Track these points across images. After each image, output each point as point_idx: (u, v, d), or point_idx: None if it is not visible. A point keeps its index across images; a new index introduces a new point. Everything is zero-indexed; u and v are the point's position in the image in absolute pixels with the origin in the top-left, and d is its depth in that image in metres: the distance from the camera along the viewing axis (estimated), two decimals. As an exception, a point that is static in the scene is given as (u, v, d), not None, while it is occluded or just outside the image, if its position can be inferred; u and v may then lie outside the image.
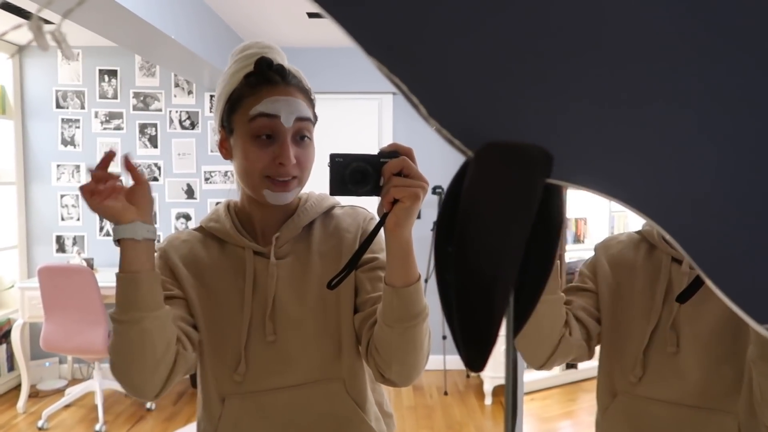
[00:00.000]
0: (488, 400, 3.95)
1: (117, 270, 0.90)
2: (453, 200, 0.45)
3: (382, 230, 0.88)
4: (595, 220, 4.61)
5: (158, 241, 1.10)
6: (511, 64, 0.44)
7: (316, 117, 1.05)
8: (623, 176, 0.45)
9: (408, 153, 0.87)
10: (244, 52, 1.03)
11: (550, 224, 0.44)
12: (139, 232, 0.89)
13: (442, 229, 0.46)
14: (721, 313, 1.06)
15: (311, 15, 3.65)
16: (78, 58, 4.35)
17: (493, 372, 3.93)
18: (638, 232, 1.22)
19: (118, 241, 0.89)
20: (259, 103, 0.96)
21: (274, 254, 1.03)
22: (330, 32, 4.06)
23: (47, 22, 3.54)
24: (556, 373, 4.23)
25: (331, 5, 0.42)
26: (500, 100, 0.44)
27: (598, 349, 1.25)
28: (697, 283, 0.97)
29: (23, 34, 3.93)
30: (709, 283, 0.43)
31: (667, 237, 0.43)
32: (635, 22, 0.43)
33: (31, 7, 3.22)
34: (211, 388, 1.04)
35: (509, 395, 0.44)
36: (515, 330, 0.42)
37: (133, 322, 0.88)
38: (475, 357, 0.38)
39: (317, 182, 1.06)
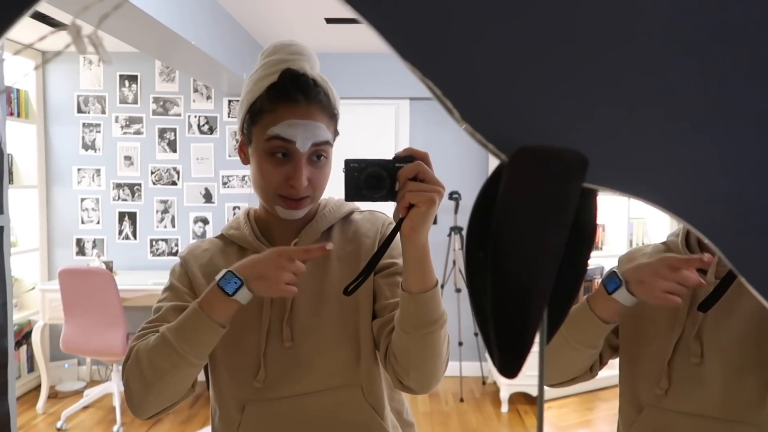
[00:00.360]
0: (504, 408, 3.92)
1: (198, 301, 0.92)
2: (485, 205, 0.44)
3: (399, 235, 0.88)
4: (613, 228, 4.57)
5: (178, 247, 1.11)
6: (542, 67, 0.43)
7: (337, 133, 1.04)
8: (655, 178, 0.44)
9: (423, 157, 0.87)
10: (272, 57, 1.00)
11: (583, 229, 0.43)
12: (246, 298, 0.91)
13: (473, 234, 0.45)
14: (744, 322, 1.04)
15: (329, 20, 3.67)
16: (100, 64, 4.41)
17: (510, 379, 3.90)
18: (664, 243, 1.21)
19: (225, 291, 0.89)
20: (276, 124, 0.95)
21: None
22: (348, 38, 4.08)
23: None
24: (574, 381, 4.19)
25: (365, 9, 0.42)
26: (532, 103, 0.43)
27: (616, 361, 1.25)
28: (718, 292, 0.95)
29: (48, 42, 4.00)
30: (743, 281, 0.42)
31: (700, 236, 0.42)
32: (663, 21, 0.42)
33: (55, 14, 3.28)
34: (229, 396, 1.04)
35: (541, 401, 0.43)
36: (547, 338, 0.41)
37: (189, 364, 0.91)
38: (510, 363, 0.38)
39: (334, 188, 1.06)
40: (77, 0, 2.16)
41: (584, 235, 0.44)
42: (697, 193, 0.44)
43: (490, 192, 0.44)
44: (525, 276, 0.35)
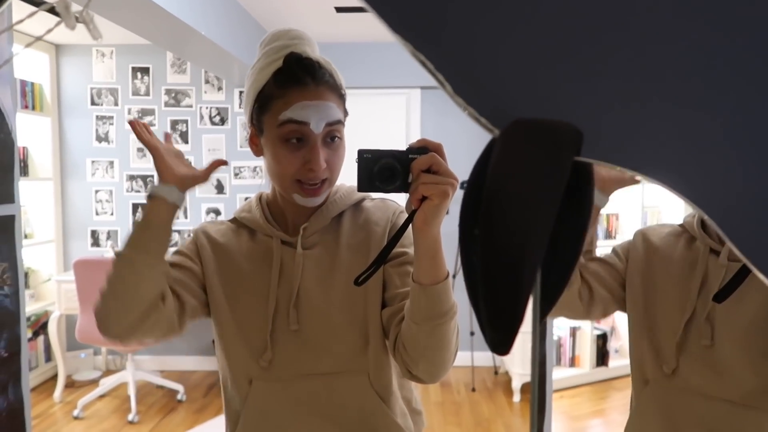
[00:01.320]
0: (517, 398, 3.91)
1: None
2: (478, 181, 0.44)
3: (411, 226, 0.87)
4: (627, 216, 4.53)
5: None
6: (537, 41, 0.42)
7: (346, 113, 1.04)
8: (660, 156, 0.43)
9: (437, 149, 0.85)
10: (272, 44, 1.00)
11: (580, 204, 0.42)
12: (172, 196, 0.97)
13: (467, 211, 0.45)
14: (757, 307, 1.03)
15: (339, 9, 3.66)
16: (112, 56, 4.44)
17: (522, 369, 3.89)
18: (680, 225, 1.20)
19: (149, 197, 0.97)
20: (288, 108, 0.95)
21: (301, 244, 1.03)
22: (358, 27, 4.06)
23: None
24: (587, 370, 4.17)
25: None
26: (526, 77, 0.42)
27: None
28: (734, 283, 0.94)
29: (61, 34, 4.03)
30: (754, 270, 0.41)
31: (709, 221, 0.41)
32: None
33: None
34: (237, 370, 1.05)
35: (534, 385, 0.43)
36: (542, 313, 0.41)
37: (128, 260, 0.95)
38: (501, 340, 0.37)
39: (346, 176, 1.05)
40: None
41: (581, 209, 0.43)
42: (711, 178, 0.43)
43: (483, 168, 0.43)
44: (515, 249, 0.35)
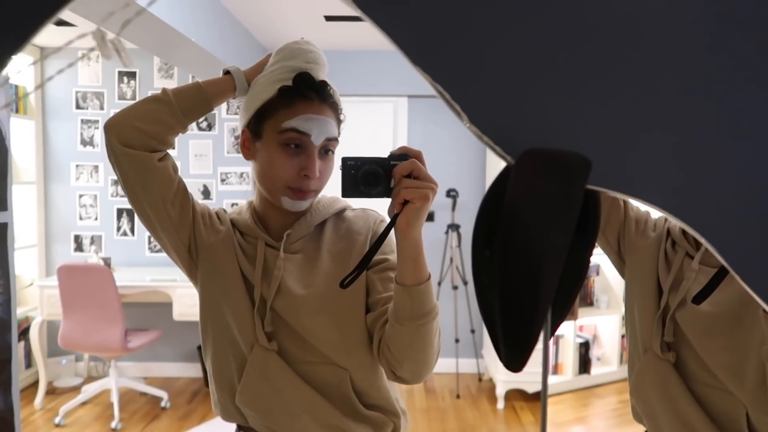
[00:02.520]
0: (500, 404, 3.95)
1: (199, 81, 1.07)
2: (491, 205, 0.46)
3: (392, 232, 0.92)
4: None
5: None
6: (549, 73, 0.45)
7: (339, 134, 1.09)
8: (655, 180, 0.46)
9: (417, 156, 0.91)
10: (288, 62, 1.03)
11: (586, 228, 0.45)
12: (241, 83, 1.06)
13: (479, 233, 0.47)
14: (714, 310, 1.10)
15: (329, 18, 3.68)
16: (98, 60, 4.41)
17: (506, 376, 3.93)
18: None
19: (225, 72, 1.07)
20: (293, 117, 0.99)
21: (284, 249, 1.07)
22: (347, 35, 4.09)
23: (68, 23, 3.60)
24: (569, 378, 4.22)
25: (377, 15, 0.43)
26: (538, 108, 0.45)
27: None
28: (711, 286, 1.00)
29: (46, 37, 3.99)
30: (737, 278, 0.44)
31: (699, 238, 0.44)
32: (668, 32, 0.44)
33: (73, 19, 3.27)
34: (238, 336, 1.07)
35: (545, 396, 0.45)
36: (552, 330, 0.43)
37: (165, 101, 1.01)
38: (516, 357, 0.39)
39: (329, 185, 1.09)
40: (100, 6, 2.17)
41: (587, 233, 0.46)
42: (695, 194, 0.46)
43: (497, 192, 0.46)
44: (532, 274, 0.37)
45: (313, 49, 1.05)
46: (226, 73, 1.07)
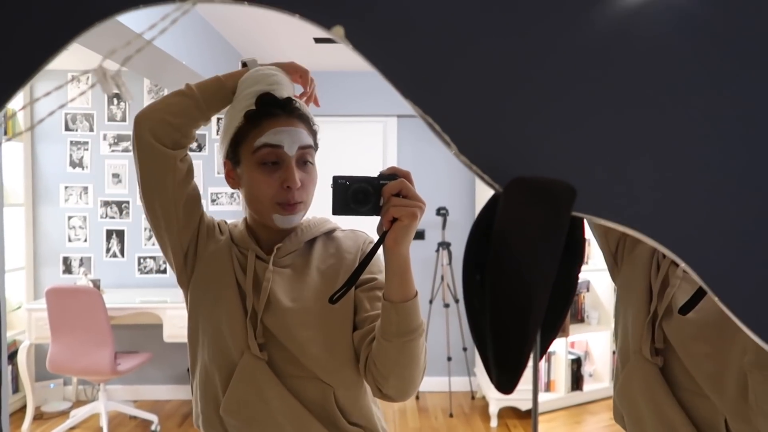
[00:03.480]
0: (494, 423, 3.94)
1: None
2: (481, 231, 0.48)
3: (381, 252, 0.94)
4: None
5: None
6: (534, 105, 0.47)
7: (317, 145, 1.12)
8: (631, 204, 0.48)
9: (406, 175, 0.94)
10: (251, 88, 1.06)
11: (573, 252, 0.47)
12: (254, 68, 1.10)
13: (470, 258, 0.49)
14: (698, 317, 1.12)
15: (318, 40, 3.73)
16: (87, 82, 4.42)
17: (499, 394, 3.91)
18: None
19: (243, 64, 1.11)
20: (262, 135, 1.02)
21: (273, 262, 1.08)
22: (336, 57, 4.13)
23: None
24: (562, 395, 4.22)
25: (370, 53, 0.45)
26: (526, 138, 0.47)
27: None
28: (698, 296, 1.02)
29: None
30: (711, 294, 0.46)
31: (671, 256, 0.46)
32: (652, 58, 0.47)
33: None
34: (229, 343, 1.06)
35: (535, 413, 0.46)
36: (542, 352, 0.45)
37: (191, 95, 1.05)
38: (507, 380, 0.41)
39: (320, 205, 1.11)
40: (102, 43, 2.19)
41: (574, 257, 0.47)
42: (671, 216, 0.48)
43: (486, 219, 0.47)
44: (522, 299, 0.39)
45: (274, 72, 1.08)
46: (244, 65, 1.10)
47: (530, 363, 0.44)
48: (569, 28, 0.46)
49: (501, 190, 0.45)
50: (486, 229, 0.47)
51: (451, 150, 0.46)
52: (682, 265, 0.44)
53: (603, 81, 0.46)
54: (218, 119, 4.44)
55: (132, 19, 2.21)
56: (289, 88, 1.09)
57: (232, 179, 1.11)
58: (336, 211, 0.93)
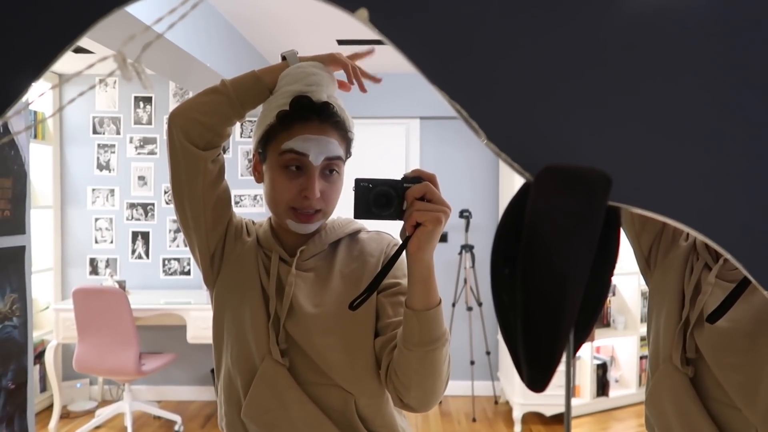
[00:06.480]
0: (518, 428, 3.88)
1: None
2: (510, 223, 0.46)
3: (404, 255, 0.90)
4: (625, 244, 4.55)
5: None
6: (565, 89, 0.45)
7: (349, 154, 1.08)
8: (676, 194, 0.45)
9: (431, 179, 0.90)
10: (290, 86, 1.02)
11: (608, 246, 0.44)
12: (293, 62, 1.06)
13: (498, 251, 0.47)
14: (729, 326, 1.08)
15: (341, 42, 3.73)
16: (115, 86, 4.49)
17: (523, 399, 3.87)
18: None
19: (282, 57, 1.06)
20: (291, 138, 1.00)
21: (296, 266, 1.06)
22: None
23: (87, 51, 3.67)
24: (587, 400, 4.14)
25: (394, 34, 0.44)
26: (557, 124, 0.45)
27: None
28: (727, 303, 0.98)
29: (66, 64, 4.07)
30: (760, 288, 0.43)
31: (719, 250, 0.43)
32: (681, 43, 0.44)
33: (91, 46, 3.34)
34: (252, 347, 1.05)
35: (568, 416, 0.44)
36: (575, 350, 0.42)
37: (224, 93, 1.01)
38: (538, 377, 0.39)
39: (342, 207, 1.09)
40: (119, 32, 2.22)
41: (608, 251, 0.45)
42: (718, 208, 0.45)
43: (515, 210, 0.45)
44: (555, 293, 0.36)
45: (316, 72, 1.03)
46: (284, 59, 1.06)
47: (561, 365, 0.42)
48: (609, 8, 0.44)
49: (532, 179, 0.43)
50: (515, 221, 0.45)
51: (480, 137, 0.44)
52: (727, 256, 0.41)
53: (643, 63, 0.44)
54: (241, 122, 4.47)
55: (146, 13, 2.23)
56: (330, 88, 1.06)
57: (258, 173, 1.10)
58: (357, 214, 0.91)
